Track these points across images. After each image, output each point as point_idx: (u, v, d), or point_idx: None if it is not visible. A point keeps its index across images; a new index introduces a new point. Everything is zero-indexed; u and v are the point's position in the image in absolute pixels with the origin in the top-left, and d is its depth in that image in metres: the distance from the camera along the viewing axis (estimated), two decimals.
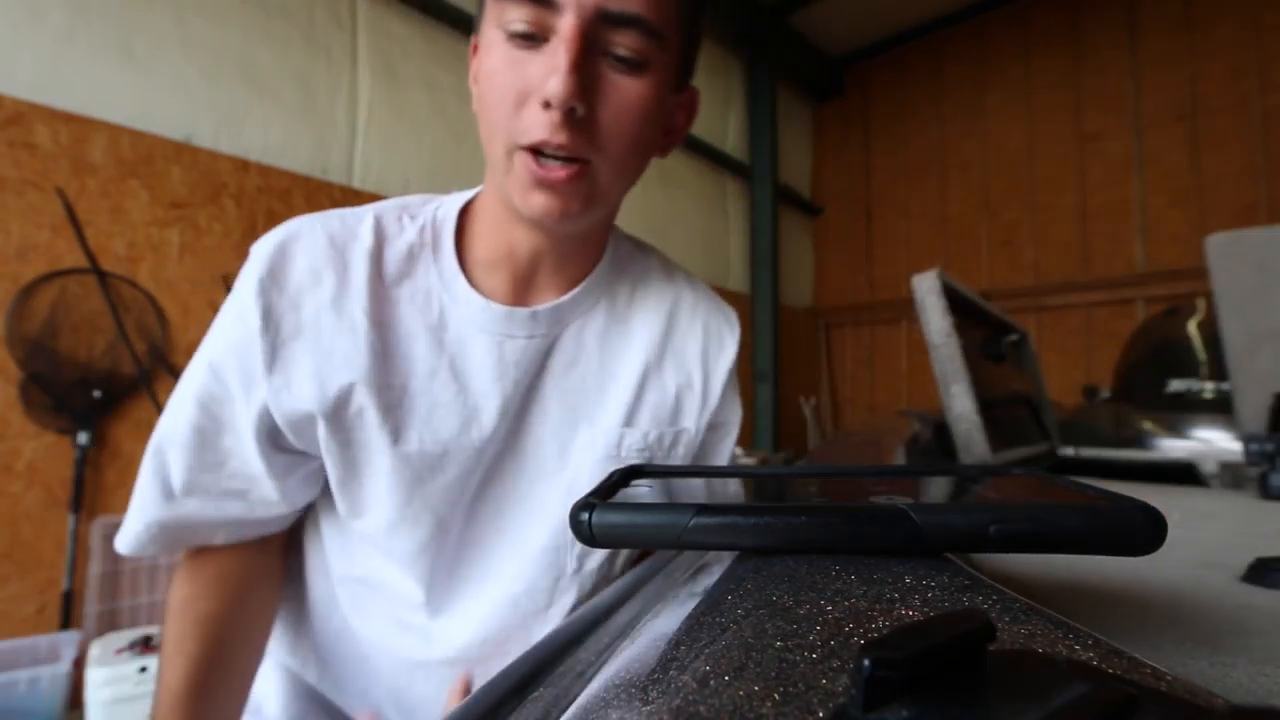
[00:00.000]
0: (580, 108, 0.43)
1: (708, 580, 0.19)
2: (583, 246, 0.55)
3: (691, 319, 0.62)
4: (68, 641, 1.52)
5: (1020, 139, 3.95)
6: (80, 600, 1.65)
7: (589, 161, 0.45)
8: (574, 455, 0.56)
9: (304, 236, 0.50)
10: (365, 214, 0.53)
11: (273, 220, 2.05)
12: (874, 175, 4.59)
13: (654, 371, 0.59)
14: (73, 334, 1.69)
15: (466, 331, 0.52)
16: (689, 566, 0.24)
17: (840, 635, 0.14)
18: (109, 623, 1.66)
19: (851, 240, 4.69)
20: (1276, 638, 0.27)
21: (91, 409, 1.68)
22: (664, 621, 0.18)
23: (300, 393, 0.49)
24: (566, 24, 0.42)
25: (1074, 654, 0.13)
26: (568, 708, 0.15)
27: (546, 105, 0.42)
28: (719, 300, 0.66)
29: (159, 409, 1.78)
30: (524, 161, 0.45)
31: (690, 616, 0.17)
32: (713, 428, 0.63)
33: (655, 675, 0.14)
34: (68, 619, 1.62)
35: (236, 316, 0.49)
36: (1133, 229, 3.55)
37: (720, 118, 4.04)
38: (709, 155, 3.87)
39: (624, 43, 0.44)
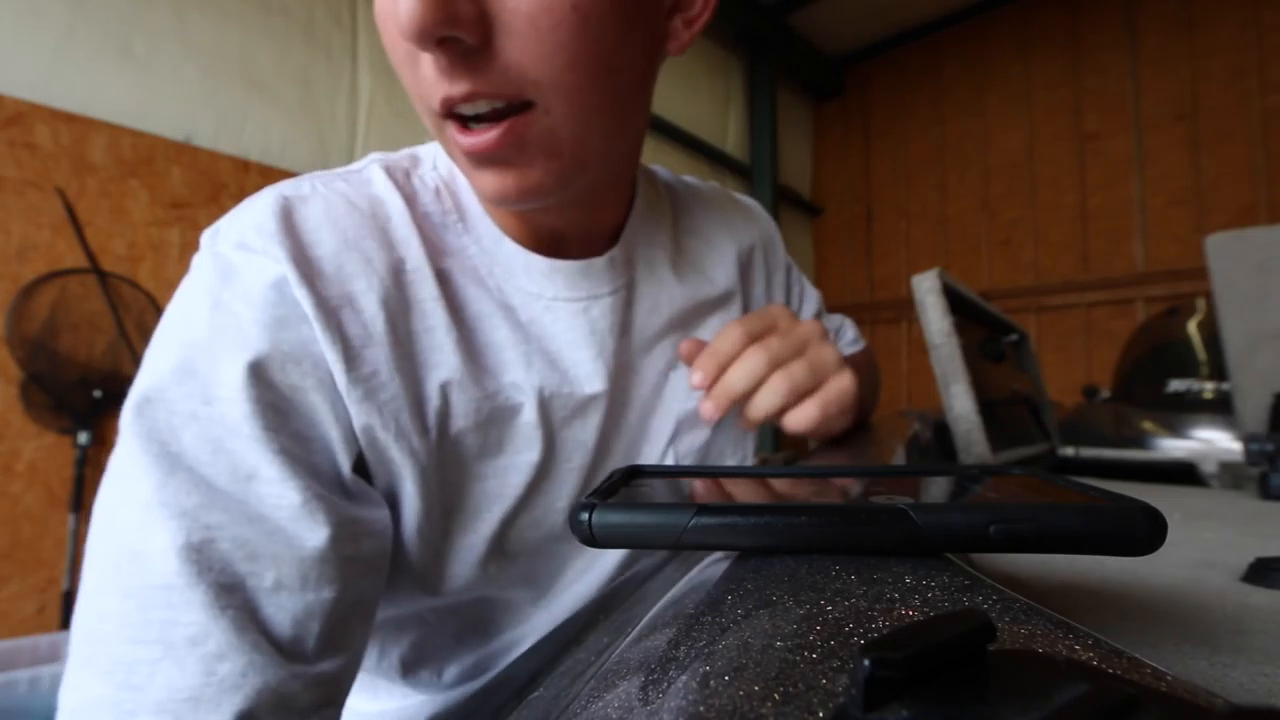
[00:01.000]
0: (465, 34, 0.29)
1: (708, 580, 0.19)
2: (612, 188, 0.43)
3: (746, 225, 0.55)
4: (68, 641, 1.52)
5: (1020, 139, 3.95)
6: None
7: (528, 104, 0.31)
8: (669, 405, 0.48)
9: (312, 200, 0.36)
10: (367, 169, 0.41)
11: None
12: (874, 175, 4.59)
13: (735, 293, 0.51)
14: (73, 334, 1.69)
15: (539, 304, 0.41)
16: (689, 566, 0.24)
17: (840, 635, 0.14)
18: None
19: (851, 240, 4.68)
20: (1276, 638, 0.27)
21: (92, 409, 1.68)
22: (664, 621, 0.18)
23: (400, 424, 0.35)
24: None
25: (1074, 654, 0.13)
26: (567, 707, 0.15)
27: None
28: (739, 196, 0.60)
29: None
30: (450, 133, 0.33)
31: (690, 616, 0.17)
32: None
33: (655, 675, 0.14)
34: (68, 619, 1.62)
35: (271, 315, 0.32)
36: (1133, 229, 3.54)
37: (720, 117, 4.04)
38: (709, 155, 3.87)
39: None
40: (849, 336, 0.67)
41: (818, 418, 0.42)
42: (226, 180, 1.97)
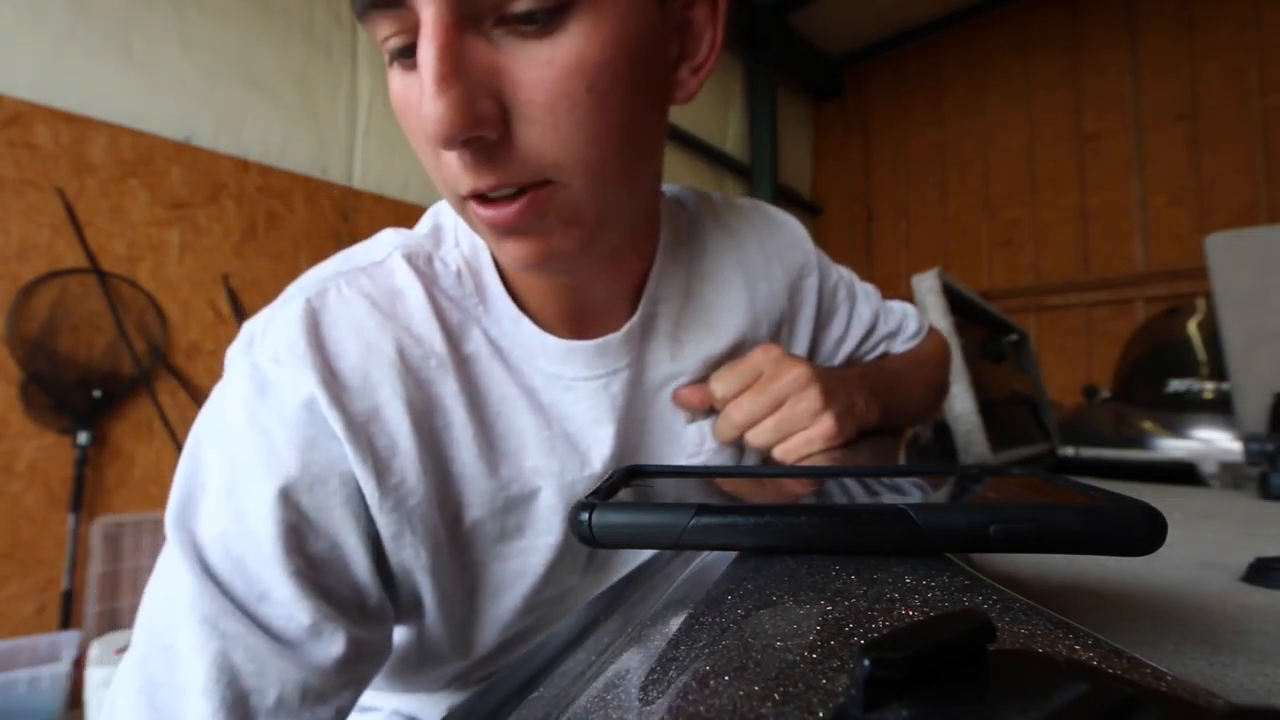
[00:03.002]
0: (488, 131, 0.30)
1: (708, 580, 0.19)
2: (634, 242, 0.43)
3: (765, 263, 0.52)
4: (68, 641, 1.52)
5: (1020, 139, 3.95)
6: (80, 600, 1.65)
7: (547, 181, 0.32)
8: (683, 452, 0.49)
9: (333, 307, 0.36)
10: (387, 258, 0.40)
11: (273, 220, 2.06)
12: (874, 175, 4.59)
13: (744, 342, 0.50)
14: (73, 334, 1.69)
15: (559, 384, 0.42)
16: (689, 566, 0.24)
17: (840, 635, 0.14)
18: (109, 623, 1.66)
19: (851, 240, 4.69)
20: (1276, 638, 0.27)
21: (91, 409, 1.68)
22: (664, 621, 0.18)
23: (428, 524, 0.36)
24: (425, 17, 0.29)
25: (1074, 654, 0.13)
26: (568, 708, 0.15)
27: None
28: (775, 215, 0.56)
29: (159, 409, 1.78)
30: (474, 210, 0.34)
31: (690, 616, 0.17)
32: (825, 332, 0.57)
33: (655, 675, 0.14)
34: (68, 619, 1.62)
35: (301, 435, 0.33)
36: (1133, 229, 3.55)
37: (720, 118, 4.04)
38: (709, 155, 3.87)
39: None
40: (910, 331, 0.63)
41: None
42: (226, 180, 1.97)
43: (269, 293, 2.03)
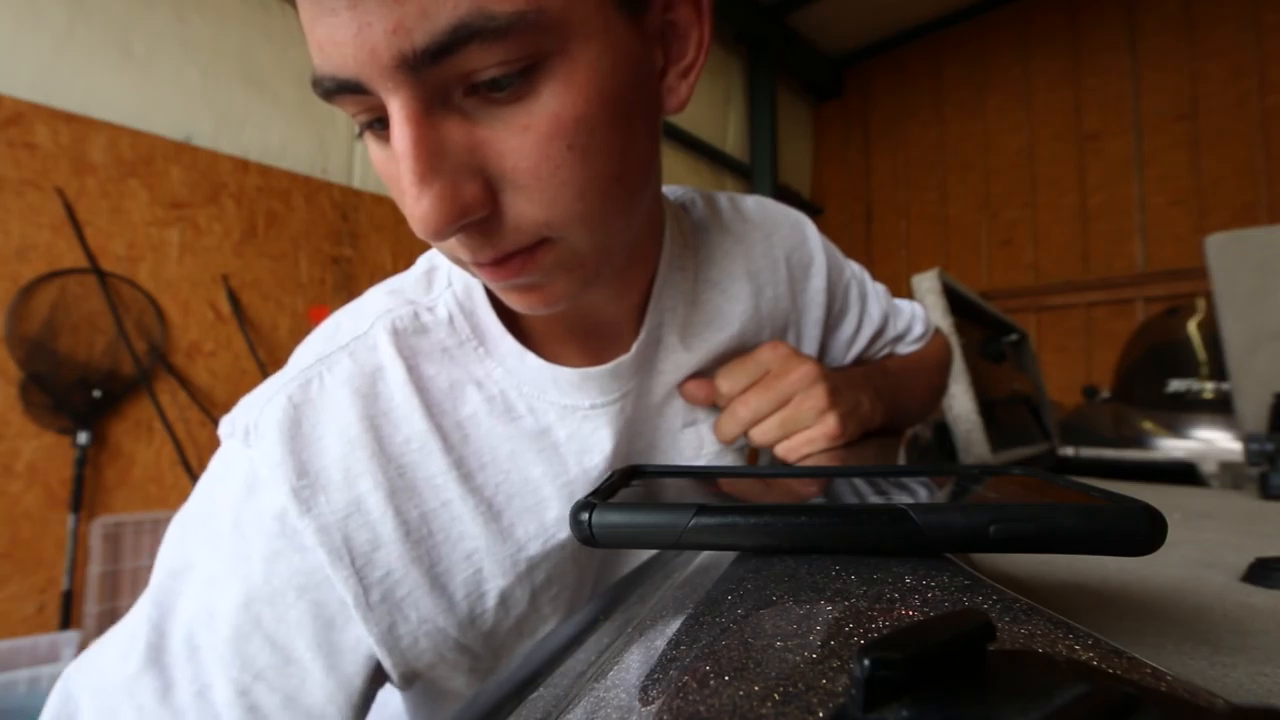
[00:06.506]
0: (476, 212, 0.29)
1: (708, 580, 0.19)
2: (636, 260, 0.42)
3: (773, 267, 0.51)
4: (68, 641, 1.52)
5: (1020, 139, 3.95)
6: (80, 600, 1.65)
7: (544, 239, 0.32)
8: (685, 456, 0.48)
9: (315, 401, 0.35)
10: (371, 330, 0.38)
11: (273, 220, 2.05)
12: (874, 175, 4.58)
13: (749, 342, 0.49)
14: (73, 334, 1.69)
15: (577, 415, 0.40)
16: (689, 566, 0.24)
17: (840, 635, 0.14)
18: (109, 622, 1.66)
19: (851, 240, 4.68)
20: (1276, 638, 0.27)
21: (91, 409, 1.68)
22: (664, 621, 0.18)
23: (422, 611, 0.35)
24: (393, 108, 0.27)
25: (1074, 654, 0.13)
26: (568, 708, 0.15)
27: None
28: (783, 215, 0.54)
29: (159, 409, 1.78)
30: (472, 268, 0.34)
31: (690, 616, 0.17)
32: (832, 330, 0.56)
33: (655, 675, 0.14)
34: (68, 619, 1.62)
35: (269, 547, 0.33)
36: (1133, 229, 3.54)
37: (720, 117, 4.04)
38: (709, 155, 3.87)
39: (477, 64, 0.26)
40: (916, 333, 0.62)
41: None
42: (226, 180, 1.97)
43: (269, 293, 2.04)
